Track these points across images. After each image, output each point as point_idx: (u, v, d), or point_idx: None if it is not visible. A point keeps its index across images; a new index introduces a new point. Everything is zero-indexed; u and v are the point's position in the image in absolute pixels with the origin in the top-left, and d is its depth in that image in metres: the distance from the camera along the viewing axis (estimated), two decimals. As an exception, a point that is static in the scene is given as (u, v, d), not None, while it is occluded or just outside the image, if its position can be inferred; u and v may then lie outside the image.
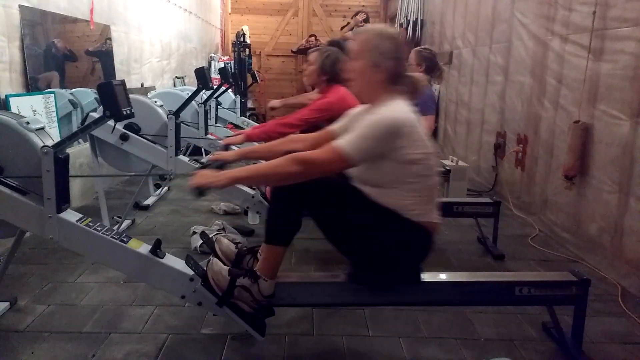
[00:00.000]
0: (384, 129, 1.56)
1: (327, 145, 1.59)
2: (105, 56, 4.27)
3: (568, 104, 3.05)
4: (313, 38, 9.10)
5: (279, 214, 1.70)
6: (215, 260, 1.73)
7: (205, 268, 1.71)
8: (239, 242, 2.02)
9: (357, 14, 6.94)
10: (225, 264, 1.78)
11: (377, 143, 1.57)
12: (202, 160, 1.89)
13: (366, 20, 7.04)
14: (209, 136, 3.89)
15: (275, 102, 3.80)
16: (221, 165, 1.89)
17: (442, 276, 1.89)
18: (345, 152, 1.55)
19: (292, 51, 9.27)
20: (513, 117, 3.88)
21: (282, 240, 1.71)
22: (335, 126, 1.95)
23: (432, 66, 3.51)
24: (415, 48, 3.61)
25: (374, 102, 1.71)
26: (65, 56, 3.64)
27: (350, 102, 2.75)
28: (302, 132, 2.78)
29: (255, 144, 2.77)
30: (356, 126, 1.63)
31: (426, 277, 1.83)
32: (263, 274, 1.68)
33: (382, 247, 1.67)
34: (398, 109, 1.62)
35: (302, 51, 8.99)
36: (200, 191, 1.57)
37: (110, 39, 4.31)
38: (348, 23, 6.87)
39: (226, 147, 2.89)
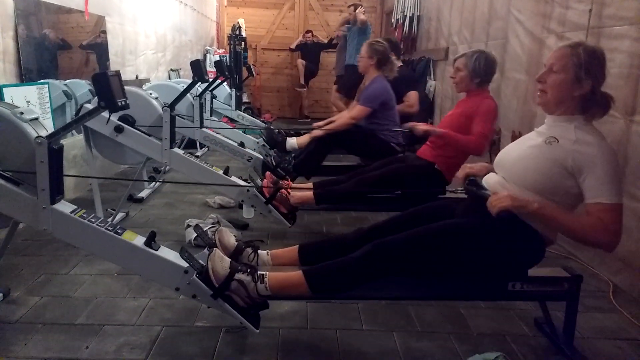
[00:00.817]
0: (616, 160, 1.61)
1: (603, 211, 1.56)
2: (99, 48, 4.24)
3: (563, 102, 3.06)
4: (310, 34, 9.02)
5: (349, 276, 1.68)
6: (217, 251, 1.72)
7: (200, 261, 1.71)
8: (235, 236, 2.02)
9: (356, 5, 6.89)
10: (223, 256, 1.78)
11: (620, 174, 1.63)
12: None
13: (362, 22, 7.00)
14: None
15: (318, 132, 3.58)
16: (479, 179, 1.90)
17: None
18: (620, 205, 1.57)
19: (290, 49, 9.18)
20: (508, 114, 3.89)
21: (318, 290, 1.69)
22: (497, 162, 1.89)
23: (383, 59, 3.53)
24: (368, 41, 3.64)
25: (560, 113, 1.71)
26: (58, 46, 3.61)
27: None
28: None
29: None
30: (595, 170, 1.58)
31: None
32: (271, 285, 1.66)
33: (499, 252, 1.71)
34: (600, 135, 1.65)
35: (300, 47, 8.92)
36: (503, 216, 1.59)
37: (104, 31, 4.28)
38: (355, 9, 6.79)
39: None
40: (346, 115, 3.64)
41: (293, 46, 9.11)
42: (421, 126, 2.90)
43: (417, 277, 1.78)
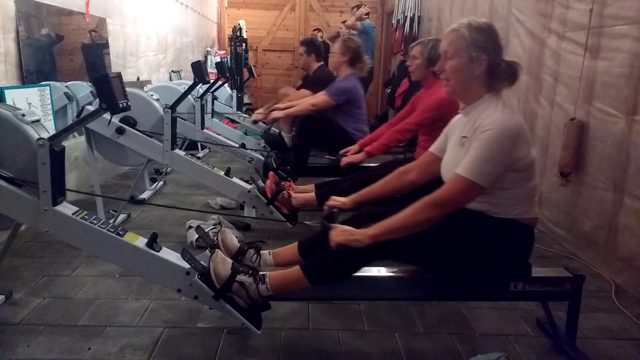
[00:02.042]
0: (504, 145, 1.55)
1: (452, 179, 1.57)
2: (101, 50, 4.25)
3: (564, 102, 3.06)
4: (319, 32, 8.94)
5: (340, 262, 1.67)
6: (219, 252, 1.72)
7: (201, 262, 1.71)
8: (236, 237, 2.02)
9: (358, 6, 6.90)
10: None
11: (501, 161, 1.55)
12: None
13: (367, 14, 7.02)
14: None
15: (278, 113, 3.73)
16: (338, 212, 1.95)
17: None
18: (473, 182, 1.54)
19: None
20: (509, 114, 3.88)
21: (319, 281, 1.69)
22: (435, 146, 1.92)
23: (356, 57, 3.55)
24: (342, 37, 3.66)
25: (472, 100, 1.68)
26: (51, 43, 3.60)
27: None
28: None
29: None
30: (472, 147, 1.58)
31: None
32: (272, 284, 1.66)
33: (487, 252, 1.67)
34: (506, 115, 1.59)
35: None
36: (342, 249, 1.61)
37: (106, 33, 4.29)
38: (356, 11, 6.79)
39: (348, 168, 2.95)
40: (308, 100, 3.62)
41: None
42: (345, 160, 3.02)
43: (409, 262, 1.76)
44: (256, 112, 4.00)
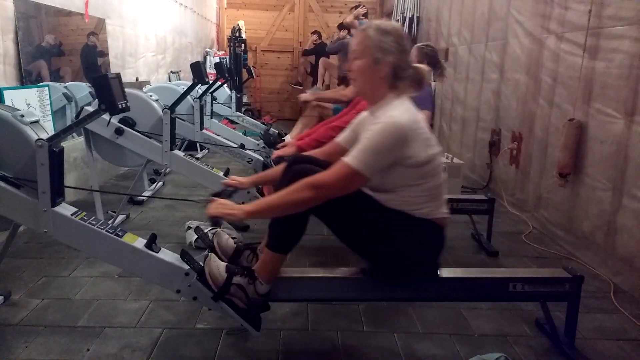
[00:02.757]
0: (390, 139, 1.53)
1: (336, 164, 1.56)
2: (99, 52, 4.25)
3: (563, 102, 3.06)
4: (316, 35, 8.93)
5: (286, 222, 1.67)
6: (213, 255, 1.72)
7: (201, 263, 1.71)
8: (235, 238, 2.02)
9: (357, 7, 6.89)
10: (222, 259, 1.78)
11: (386, 155, 1.54)
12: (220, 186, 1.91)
13: (365, 15, 7.02)
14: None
15: (307, 96, 3.75)
16: (234, 191, 1.90)
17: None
18: (356, 170, 1.52)
19: (303, 53, 9.08)
20: (508, 114, 3.89)
21: (285, 248, 1.70)
22: (341, 137, 1.93)
23: (434, 63, 3.53)
24: (417, 44, 3.62)
25: (377, 100, 1.68)
26: (56, 50, 3.61)
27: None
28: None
29: None
30: (361, 139, 1.59)
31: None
32: (261, 277, 1.67)
33: (397, 248, 1.66)
34: (401, 112, 1.59)
35: (313, 51, 8.79)
36: (216, 222, 1.59)
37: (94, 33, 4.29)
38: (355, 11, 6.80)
39: (277, 161, 2.89)
40: (344, 92, 3.58)
41: (308, 48, 9.02)
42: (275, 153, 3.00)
43: (335, 227, 1.73)
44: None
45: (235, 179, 1.99)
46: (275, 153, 3.06)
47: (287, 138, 3.73)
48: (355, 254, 1.76)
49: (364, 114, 1.84)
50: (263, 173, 2.13)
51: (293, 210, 1.59)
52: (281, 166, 1.95)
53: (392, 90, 1.66)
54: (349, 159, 1.54)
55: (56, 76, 3.57)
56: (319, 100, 3.69)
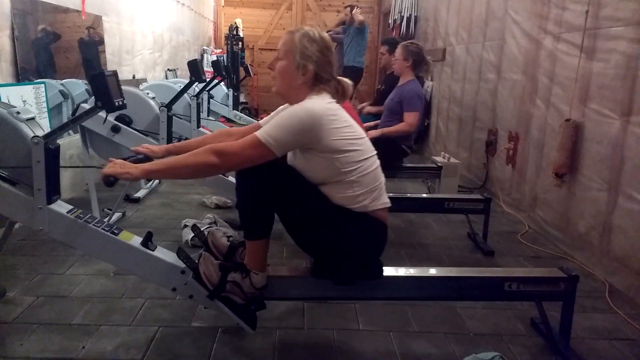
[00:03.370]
0: (300, 120, 1.55)
1: (246, 137, 1.57)
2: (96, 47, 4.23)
3: (559, 102, 3.07)
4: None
5: (249, 210, 1.67)
6: (207, 254, 1.73)
7: (197, 261, 1.71)
8: (231, 236, 2.02)
9: (352, 7, 6.88)
10: (217, 258, 1.78)
11: (295, 135, 1.55)
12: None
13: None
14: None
15: (374, 133, 3.58)
16: (144, 158, 1.79)
17: (432, 271, 1.90)
18: (262, 141, 1.52)
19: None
20: (505, 114, 3.90)
21: (260, 234, 1.69)
22: (263, 120, 1.94)
23: (419, 60, 3.54)
24: (403, 43, 3.63)
25: (295, 102, 1.68)
26: (49, 41, 3.59)
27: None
28: None
29: None
30: (275, 117, 1.62)
31: (413, 271, 1.87)
32: (252, 267, 1.68)
33: (337, 244, 1.66)
34: (316, 101, 1.61)
35: None
36: (110, 181, 1.53)
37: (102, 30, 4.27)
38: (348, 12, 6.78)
39: None
40: (408, 121, 3.54)
41: None
42: None
43: (286, 219, 1.72)
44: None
45: (147, 147, 1.89)
46: None
47: None
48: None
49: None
50: (179, 143, 2.08)
51: (194, 174, 1.60)
52: (199, 138, 1.98)
53: (312, 91, 1.67)
54: (259, 132, 1.55)
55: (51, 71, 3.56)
56: (384, 135, 3.65)
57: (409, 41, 3.74)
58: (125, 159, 1.67)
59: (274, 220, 1.68)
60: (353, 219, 1.63)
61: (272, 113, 1.93)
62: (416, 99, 3.51)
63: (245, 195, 1.67)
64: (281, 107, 1.87)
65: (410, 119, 3.51)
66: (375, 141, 3.48)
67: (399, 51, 3.57)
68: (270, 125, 1.56)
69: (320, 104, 1.61)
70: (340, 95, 1.71)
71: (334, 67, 1.73)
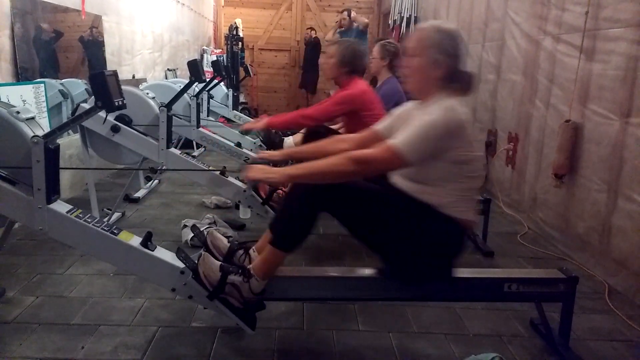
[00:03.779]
0: (441, 130, 1.55)
1: (382, 145, 1.57)
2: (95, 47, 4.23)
3: (559, 103, 3.07)
4: (311, 31, 9.00)
5: (294, 219, 1.67)
6: (207, 254, 1.72)
7: (196, 262, 1.70)
8: (230, 236, 2.02)
9: (348, 10, 6.87)
10: (216, 258, 1.77)
11: (434, 144, 1.55)
12: (247, 158, 1.95)
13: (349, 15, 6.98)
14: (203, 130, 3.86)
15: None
16: (267, 164, 1.89)
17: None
18: (402, 152, 1.53)
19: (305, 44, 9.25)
20: (504, 115, 3.90)
21: (290, 246, 1.69)
22: (380, 126, 1.92)
23: (396, 60, 3.54)
24: (380, 41, 3.64)
25: (428, 98, 1.69)
26: (52, 39, 3.59)
27: (371, 95, 2.78)
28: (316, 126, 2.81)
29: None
30: (410, 125, 1.59)
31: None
32: (257, 274, 1.67)
33: (417, 241, 1.65)
34: (453, 108, 1.60)
35: (305, 44, 8.90)
36: (255, 185, 1.59)
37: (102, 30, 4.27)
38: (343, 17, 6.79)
39: (246, 132, 2.90)
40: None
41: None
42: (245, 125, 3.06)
43: (348, 225, 1.73)
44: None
45: (267, 152, 2.03)
46: (246, 125, 3.09)
47: (290, 140, 3.71)
48: (370, 253, 1.77)
49: (409, 104, 1.84)
50: (296, 148, 2.13)
51: (331, 180, 1.61)
52: (314, 145, 2.02)
53: (443, 91, 1.67)
54: (397, 141, 1.55)
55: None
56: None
57: (387, 40, 3.75)
58: (252, 163, 1.79)
59: (307, 237, 1.70)
60: (436, 217, 1.63)
61: (389, 117, 1.91)
62: (385, 98, 3.50)
63: (301, 198, 1.66)
64: (402, 108, 1.86)
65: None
66: None
67: (376, 50, 3.58)
68: (408, 137, 1.55)
69: (457, 112, 1.60)
70: (467, 86, 1.70)
71: (464, 58, 1.71)
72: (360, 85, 2.78)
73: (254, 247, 1.93)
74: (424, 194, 1.63)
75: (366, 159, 1.56)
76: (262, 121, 2.91)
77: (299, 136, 3.63)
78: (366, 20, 6.74)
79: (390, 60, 3.52)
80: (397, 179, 1.71)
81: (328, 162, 1.58)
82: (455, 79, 1.67)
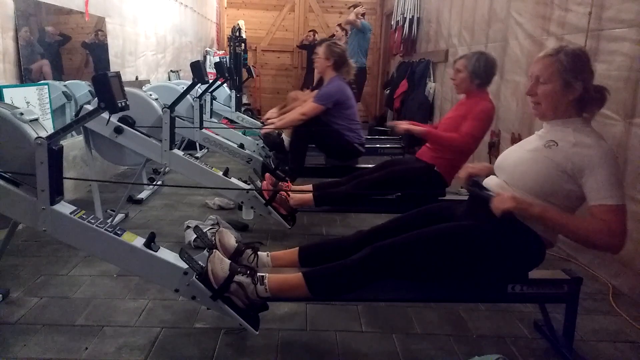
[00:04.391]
0: (617, 163, 1.60)
1: (607, 212, 1.54)
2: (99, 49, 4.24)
3: (562, 104, 3.06)
4: (312, 33, 9.02)
5: (343, 276, 1.68)
6: (217, 252, 1.72)
7: (199, 262, 1.70)
8: (234, 237, 2.02)
9: (355, 5, 6.90)
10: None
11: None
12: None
13: (363, 15, 7.03)
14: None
15: (272, 113, 3.86)
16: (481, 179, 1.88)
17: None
18: (624, 204, 1.56)
19: (297, 46, 9.25)
20: (507, 116, 3.89)
21: (321, 295, 1.72)
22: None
23: (340, 61, 3.57)
24: (327, 42, 3.66)
25: (559, 117, 1.69)
26: (58, 43, 3.61)
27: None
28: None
29: None
30: (596, 174, 1.56)
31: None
32: (271, 287, 1.66)
33: (499, 247, 1.68)
34: (604, 141, 1.63)
35: (306, 47, 8.89)
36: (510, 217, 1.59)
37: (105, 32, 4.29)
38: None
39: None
40: (298, 110, 3.63)
41: (299, 44, 9.22)
42: (402, 125, 2.89)
43: (416, 280, 1.77)
44: (264, 127, 3.96)
45: (470, 166, 1.99)
46: (400, 126, 2.94)
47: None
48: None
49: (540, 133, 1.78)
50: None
51: (575, 239, 1.61)
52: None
53: (576, 112, 1.68)
54: (613, 200, 1.54)
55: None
56: (279, 128, 3.77)
57: (333, 41, 3.78)
58: (475, 185, 1.84)
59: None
60: (522, 229, 1.66)
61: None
62: (324, 95, 3.50)
63: (362, 263, 1.67)
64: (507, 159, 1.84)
65: (305, 108, 3.52)
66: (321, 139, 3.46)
67: (321, 50, 3.60)
68: (610, 187, 1.55)
69: (603, 139, 1.62)
70: (601, 101, 1.70)
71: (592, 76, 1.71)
72: (488, 96, 2.80)
73: (268, 253, 1.94)
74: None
75: (621, 229, 1.55)
76: (420, 128, 2.85)
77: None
78: (350, 18, 6.81)
79: (335, 61, 3.54)
80: (514, 189, 1.70)
81: (582, 224, 1.56)
82: (587, 99, 1.67)
